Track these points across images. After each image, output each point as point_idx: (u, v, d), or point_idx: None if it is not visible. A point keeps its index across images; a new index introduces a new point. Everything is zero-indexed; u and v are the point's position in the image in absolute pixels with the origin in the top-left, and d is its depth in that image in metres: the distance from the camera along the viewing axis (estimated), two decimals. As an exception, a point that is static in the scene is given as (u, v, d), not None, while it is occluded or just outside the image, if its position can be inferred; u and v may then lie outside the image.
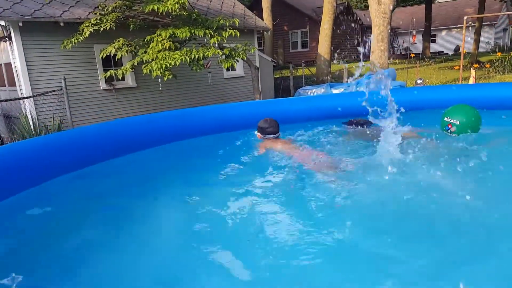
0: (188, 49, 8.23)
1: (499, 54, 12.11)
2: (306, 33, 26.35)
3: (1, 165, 3.18)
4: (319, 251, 2.22)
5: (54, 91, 8.29)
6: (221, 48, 8.69)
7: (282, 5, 25.05)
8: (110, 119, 9.15)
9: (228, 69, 12.23)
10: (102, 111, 9.68)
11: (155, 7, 7.99)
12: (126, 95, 10.23)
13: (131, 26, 9.02)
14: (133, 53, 8.61)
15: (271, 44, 22.44)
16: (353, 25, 27.93)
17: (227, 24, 8.68)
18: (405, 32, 33.38)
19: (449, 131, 3.90)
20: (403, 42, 33.91)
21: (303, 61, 20.11)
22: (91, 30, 8.16)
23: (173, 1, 7.82)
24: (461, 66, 10.46)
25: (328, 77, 16.51)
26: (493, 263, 2.06)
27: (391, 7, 12.27)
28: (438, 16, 32.45)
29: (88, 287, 2.08)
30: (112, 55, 8.80)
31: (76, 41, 8.24)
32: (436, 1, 36.48)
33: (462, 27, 30.96)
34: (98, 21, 8.34)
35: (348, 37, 27.80)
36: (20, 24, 8.04)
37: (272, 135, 3.96)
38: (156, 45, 8.23)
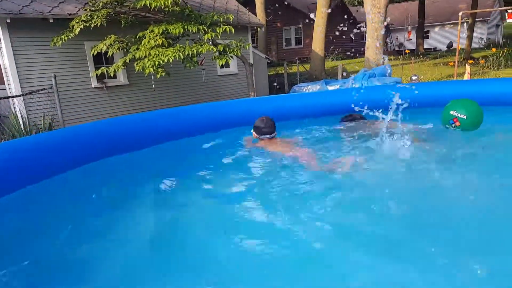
0: (181, 45, 8.08)
1: (493, 50, 12.09)
2: (300, 30, 26.25)
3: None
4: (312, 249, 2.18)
5: (44, 89, 8.11)
6: (215, 44, 8.55)
7: (275, 1, 24.89)
8: (102, 118, 8.99)
9: (222, 66, 12.08)
10: (94, 110, 9.50)
11: (147, 2, 7.84)
12: (118, 93, 10.05)
13: (123, 22, 8.84)
14: (125, 50, 8.45)
15: (265, 41, 22.30)
16: (346, 21, 27.89)
17: (221, 20, 8.54)
18: (399, 29, 33.37)
19: (453, 125, 3.79)
20: (397, 38, 33.93)
21: (297, 58, 20.04)
22: (82, 26, 7.99)
23: (165, -3, 7.67)
24: (456, 62, 10.42)
25: (323, 74, 16.43)
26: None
27: (386, 3, 12.19)
28: (431, 13, 32.49)
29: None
30: (103, 52, 8.63)
31: (66, 38, 8.06)
32: (429, -3, 36.50)
33: (455, 23, 31.12)
34: (89, 17, 8.16)
35: (341, 34, 27.72)
36: (8, 20, 7.82)
37: (268, 136, 3.87)
38: (149, 41, 8.07)
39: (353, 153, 3.64)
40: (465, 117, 3.72)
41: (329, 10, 16.40)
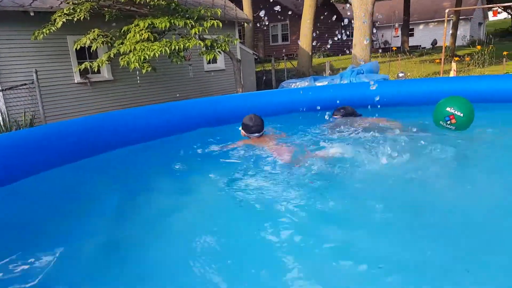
0: (167, 40, 7.91)
1: (479, 47, 12.21)
2: (286, 26, 26.17)
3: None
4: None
5: (25, 84, 7.85)
6: (202, 39, 8.39)
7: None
8: (86, 114, 8.76)
9: (209, 62, 11.93)
10: (77, 106, 9.25)
11: (132, -5, 7.65)
12: (102, 89, 9.81)
13: (107, 16, 8.62)
14: (109, 44, 8.23)
15: (252, 37, 22.15)
16: (333, 18, 27.93)
17: (209, 14, 8.38)
18: (384, 26, 33.60)
19: (448, 122, 3.73)
20: (382, 36, 34.15)
21: (284, 55, 19.98)
22: (64, 20, 7.75)
23: (151, -10, 7.49)
24: (443, 59, 10.48)
25: (310, 70, 16.40)
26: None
27: (373, 0, 12.17)
28: (416, 10, 32.79)
29: None
30: (86, 46, 8.40)
31: (48, 31, 7.81)
32: (413, -5, 36.80)
33: (439, 21, 31.50)
34: (71, 10, 7.92)
35: (328, 31, 27.77)
36: (-14, 13, 7.55)
37: (256, 134, 3.81)
38: (134, 35, 7.88)
39: (344, 149, 3.58)
40: (461, 114, 3.67)
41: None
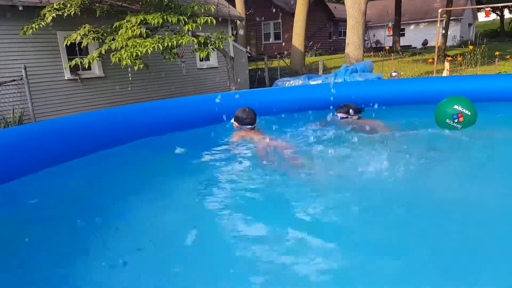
0: (160, 36, 7.79)
1: (471, 47, 12.29)
2: (279, 25, 26.10)
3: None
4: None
5: (14, 80, 7.68)
6: (195, 36, 8.28)
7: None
8: (76, 112, 8.59)
9: (201, 60, 11.81)
10: (67, 103, 9.07)
11: (124, -9, 7.51)
12: (93, 86, 9.64)
13: (98, 11, 8.46)
14: (100, 40, 8.09)
15: (244, 35, 22.05)
16: (325, 17, 27.94)
17: (202, 10, 8.27)
18: (376, 26, 33.74)
19: (456, 120, 3.68)
20: (374, 35, 34.28)
21: (276, 53, 19.93)
22: (54, 15, 7.60)
23: (143, -15, 7.36)
24: (436, 58, 10.52)
25: (303, 68, 16.37)
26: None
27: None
28: (407, 11, 32.96)
29: None
30: (77, 42, 8.24)
31: (37, 27, 7.64)
32: (405, -4, 37.01)
33: (430, 21, 31.69)
34: (62, 5, 7.76)
35: (320, 30, 27.78)
36: (-27, 6, 7.35)
37: (249, 126, 3.81)
38: (126, 31, 7.74)
39: (339, 148, 3.55)
40: (469, 113, 3.64)
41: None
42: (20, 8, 7.94)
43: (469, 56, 12.31)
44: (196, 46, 8.23)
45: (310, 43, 23.19)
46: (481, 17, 35.03)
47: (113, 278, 1.91)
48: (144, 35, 7.78)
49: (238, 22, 15.10)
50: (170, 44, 7.58)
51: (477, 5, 33.31)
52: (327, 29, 29.02)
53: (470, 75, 9.33)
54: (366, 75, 9.26)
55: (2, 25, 7.98)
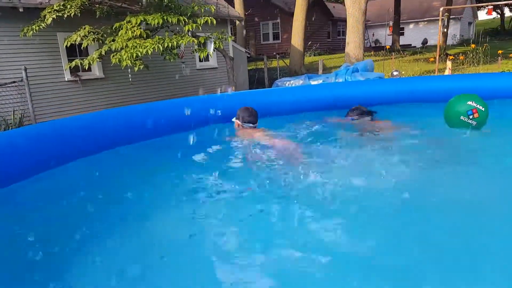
0: (160, 37, 7.78)
1: (473, 46, 12.26)
2: (278, 25, 26.09)
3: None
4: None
5: (14, 82, 7.67)
6: (195, 36, 8.28)
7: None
8: (76, 113, 8.59)
9: (201, 60, 11.81)
10: (67, 104, 9.07)
11: (124, -9, 7.51)
12: (93, 87, 9.64)
13: (98, 12, 8.46)
14: (100, 41, 8.08)
15: (243, 35, 22.04)
16: (324, 17, 27.93)
17: (202, 10, 8.27)
18: (374, 25, 33.73)
19: (471, 116, 3.65)
20: (373, 34, 34.27)
21: (275, 53, 19.91)
22: (54, 16, 7.60)
23: (143, -14, 7.36)
24: (438, 57, 10.52)
25: (302, 68, 16.36)
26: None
27: (366, -2, 12.16)
28: (406, 10, 32.95)
29: None
30: (77, 43, 8.23)
31: (37, 28, 7.64)
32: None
33: (429, 20, 31.65)
34: (62, 7, 7.77)
35: (319, 29, 27.78)
36: (-26, 8, 7.35)
37: (251, 124, 3.81)
38: (126, 32, 7.73)
39: (345, 150, 3.55)
40: (483, 109, 3.63)
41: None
42: (21, 10, 7.95)
43: (471, 55, 12.29)
44: (196, 47, 8.22)
45: (309, 43, 23.19)
46: (481, 15, 35.01)
47: (113, 278, 1.90)
48: (144, 36, 7.78)
49: (237, 22, 15.11)
50: (170, 44, 7.58)
51: (477, 3, 33.34)
52: (325, 29, 29.02)
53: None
54: (367, 74, 9.23)
55: (2, 26, 7.98)
